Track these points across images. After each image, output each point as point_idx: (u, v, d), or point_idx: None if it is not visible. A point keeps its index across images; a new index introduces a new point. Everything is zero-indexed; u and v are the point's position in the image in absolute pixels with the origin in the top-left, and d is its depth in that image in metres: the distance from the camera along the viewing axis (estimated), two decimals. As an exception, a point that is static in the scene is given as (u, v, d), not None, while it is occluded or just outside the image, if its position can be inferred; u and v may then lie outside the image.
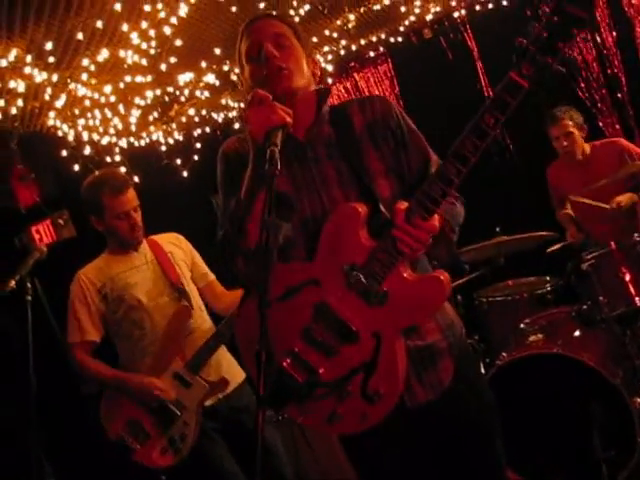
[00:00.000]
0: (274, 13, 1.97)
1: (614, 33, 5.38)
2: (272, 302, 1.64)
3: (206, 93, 4.48)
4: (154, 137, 5.26)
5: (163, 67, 3.56)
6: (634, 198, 4.05)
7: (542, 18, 1.52)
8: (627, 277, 3.62)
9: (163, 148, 5.33)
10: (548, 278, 4.17)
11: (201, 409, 2.87)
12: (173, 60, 3.60)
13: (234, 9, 3.49)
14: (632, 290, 3.60)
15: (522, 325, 3.77)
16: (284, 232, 1.83)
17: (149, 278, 2.99)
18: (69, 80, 3.50)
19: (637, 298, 3.57)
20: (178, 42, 3.39)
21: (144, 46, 3.28)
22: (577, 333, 3.61)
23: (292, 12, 3.88)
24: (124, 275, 2.96)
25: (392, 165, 1.88)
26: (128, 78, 3.58)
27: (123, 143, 4.84)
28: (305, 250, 1.82)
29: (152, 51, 3.31)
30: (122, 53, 3.24)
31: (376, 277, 1.72)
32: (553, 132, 4.21)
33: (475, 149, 1.64)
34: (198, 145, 5.55)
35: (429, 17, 5.33)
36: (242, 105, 5.57)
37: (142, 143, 5.17)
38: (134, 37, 3.15)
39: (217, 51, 3.86)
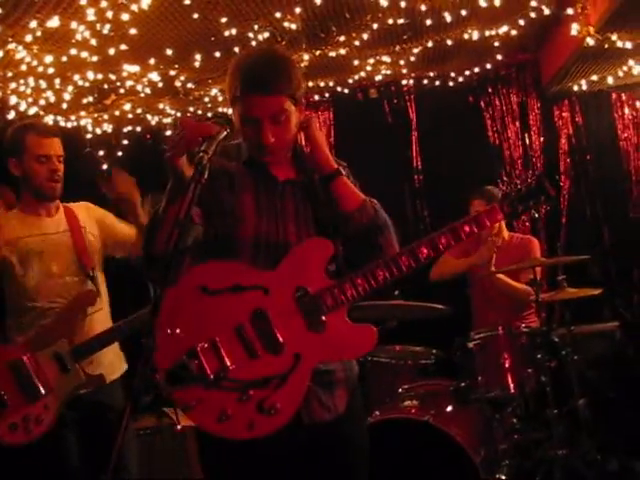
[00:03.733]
0: (276, 75, 1.90)
1: (542, 138, 5.70)
2: (216, 291, 1.85)
3: (147, 90, 4.41)
4: (82, 122, 5.13)
5: (112, 51, 3.50)
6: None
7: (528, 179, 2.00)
8: (507, 363, 3.75)
9: (89, 136, 5.21)
10: (434, 351, 4.23)
11: (67, 399, 2.72)
12: (123, 47, 3.54)
13: (196, 16, 3.49)
14: (509, 377, 3.73)
15: (400, 390, 3.83)
16: (194, 234, 1.94)
17: (58, 252, 2.85)
18: (10, 39, 3.38)
19: (512, 385, 3.71)
20: (133, 31, 3.34)
21: (98, 26, 3.22)
22: (450, 407, 3.70)
23: (251, 35, 3.92)
24: (30, 240, 2.82)
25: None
26: (73, 51, 3.48)
27: (49, 119, 4.71)
28: (251, 264, 1.95)
29: (106, 32, 3.25)
30: (74, 25, 3.15)
31: (323, 307, 1.87)
32: (480, 207, 4.24)
33: (447, 246, 1.92)
34: (125, 142, 5.46)
35: (378, 77, 5.47)
36: (178, 114, 5.53)
37: (69, 125, 5.03)
38: (90, 13, 3.09)
39: (169, 52, 3.84)
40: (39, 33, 3.35)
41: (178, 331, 1.82)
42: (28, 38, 3.38)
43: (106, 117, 5.14)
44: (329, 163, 2.03)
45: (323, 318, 1.87)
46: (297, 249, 1.94)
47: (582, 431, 3.93)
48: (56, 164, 2.82)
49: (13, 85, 3.99)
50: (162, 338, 1.78)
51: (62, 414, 2.73)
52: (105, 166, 5.35)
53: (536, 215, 2.06)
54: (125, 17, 3.16)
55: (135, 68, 3.97)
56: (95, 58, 3.68)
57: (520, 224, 5.48)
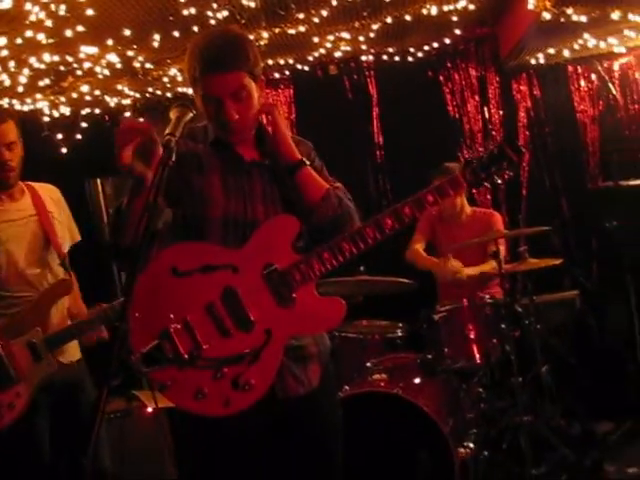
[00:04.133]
0: (234, 51, 1.95)
1: (501, 111, 5.77)
2: (186, 272, 1.89)
3: (106, 71, 4.35)
4: (39, 105, 5.03)
5: (69, 33, 3.43)
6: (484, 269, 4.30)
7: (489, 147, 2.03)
8: (472, 334, 3.84)
9: (46, 119, 5.12)
10: (401, 325, 4.29)
11: (39, 386, 2.72)
12: (80, 29, 3.47)
13: (153, -4, 3.46)
14: (474, 347, 3.82)
15: (368, 364, 3.89)
16: (165, 218, 1.96)
17: (26, 239, 2.80)
18: (-41, 21, 3.28)
19: (477, 355, 3.80)
20: (89, 12, 3.28)
21: (52, 7, 3.14)
22: (418, 379, 3.77)
23: (210, 13, 3.88)
24: None
25: None
26: (29, 33, 3.38)
27: (4, 102, 4.61)
28: (220, 244, 1.98)
29: (61, 13, 3.17)
30: (28, 6, 3.06)
31: (292, 282, 1.91)
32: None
33: (411, 217, 1.94)
34: (84, 124, 5.37)
35: (338, 54, 5.46)
36: (137, 95, 5.47)
37: (25, 108, 4.94)
38: None
39: (127, 32, 3.78)
40: (-11, 15, 3.25)
41: (151, 313, 1.85)
42: (-22, 20, 3.29)
43: (63, 100, 5.05)
44: (292, 154, 2.05)
45: (292, 293, 1.90)
46: (264, 227, 1.98)
47: (545, 397, 4.05)
48: (3, 154, 2.70)
49: (-35, 69, 3.88)
50: (136, 321, 1.80)
51: (38, 402, 2.72)
52: (64, 149, 5.28)
53: (499, 181, 2.04)
54: (81, -3, 3.10)
55: (93, 49, 3.90)
56: (51, 40, 3.59)
57: (482, 197, 5.57)
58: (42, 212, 2.86)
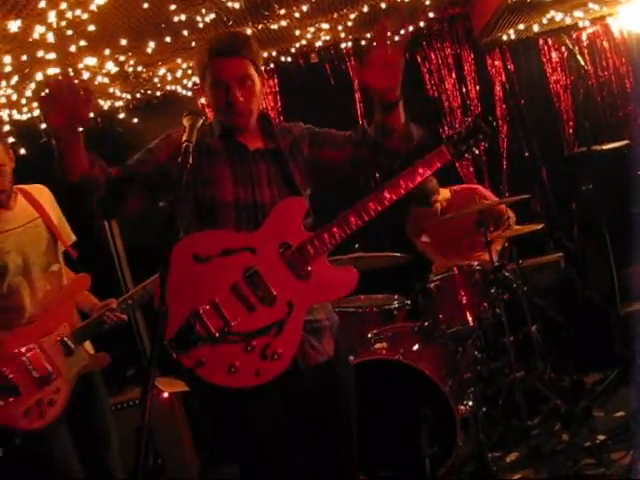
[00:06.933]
0: (240, 39, 2.21)
1: (477, 87, 6.00)
2: (208, 258, 2.07)
3: (105, 80, 4.53)
4: (35, 113, 5.19)
5: (73, 48, 3.62)
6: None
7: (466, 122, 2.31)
8: (464, 300, 4.09)
9: (43, 125, 5.27)
10: (396, 297, 4.51)
11: (76, 380, 2.86)
12: (82, 44, 3.66)
13: (146, 5, 3.65)
14: (467, 312, 4.07)
15: (369, 335, 4.13)
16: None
17: (32, 242, 2.87)
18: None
19: (470, 319, 4.06)
20: (91, 27, 3.47)
21: (55, 24, 3.32)
22: (417, 345, 4.00)
23: (198, 18, 4.08)
24: None
25: (305, 175, 2.32)
26: (40, 53, 3.56)
27: (4, 114, 4.77)
28: (234, 227, 2.17)
29: (69, 32, 3.36)
30: (36, 27, 3.24)
31: (307, 257, 2.11)
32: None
33: (406, 188, 2.19)
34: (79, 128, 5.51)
35: (318, 43, 5.65)
36: (129, 97, 5.64)
37: (23, 117, 5.10)
38: (51, 15, 3.19)
39: (123, 42, 3.98)
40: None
41: (179, 299, 2.00)
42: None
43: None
44: (397, 91, 2.25)
45: (307, 267, 2.11)
46: (275, 210, 2.16)
47: (536, 354, 4.31)
48: None
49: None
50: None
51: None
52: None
53: (476, 152, 2.29)
54: (84, 16, 3.28)
55: (93, 60, 4.08)
56: (55, 56, 3.76)
57: (465, 170, 5.82)
58: (43, 213, 2.93)
